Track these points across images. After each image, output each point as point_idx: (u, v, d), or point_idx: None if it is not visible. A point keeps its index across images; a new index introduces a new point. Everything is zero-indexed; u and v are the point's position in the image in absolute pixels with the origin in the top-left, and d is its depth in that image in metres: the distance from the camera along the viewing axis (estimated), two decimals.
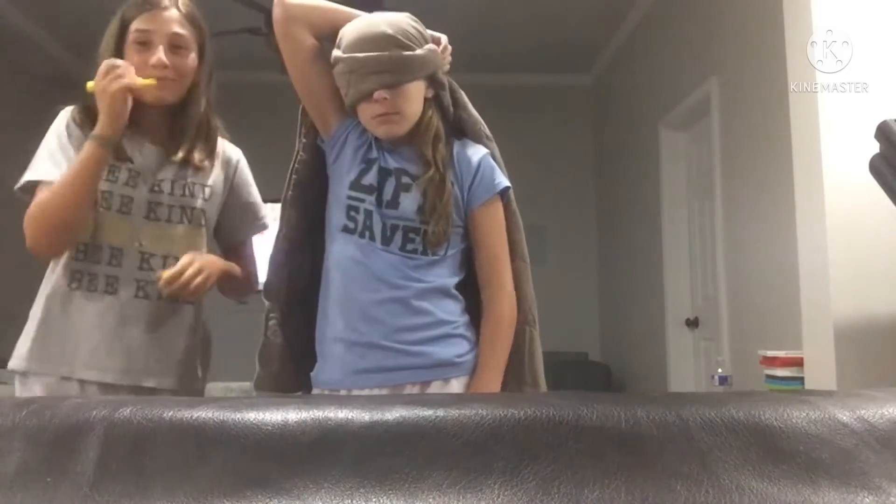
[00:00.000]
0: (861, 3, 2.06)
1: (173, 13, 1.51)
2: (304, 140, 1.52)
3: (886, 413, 0.66)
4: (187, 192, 1.57)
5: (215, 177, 1.62)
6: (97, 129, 1.41)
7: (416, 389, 1.38)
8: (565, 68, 5.65)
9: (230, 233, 1.69)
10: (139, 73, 1.46)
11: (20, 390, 1.48)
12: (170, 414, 0.64)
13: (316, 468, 0.60)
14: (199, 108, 1.57)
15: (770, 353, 2.27)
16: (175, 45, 1.50)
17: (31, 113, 5.28)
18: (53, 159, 1.47)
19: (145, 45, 1.49)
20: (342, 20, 1.44)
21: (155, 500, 0.59)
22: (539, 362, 1.49)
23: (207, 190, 1.60)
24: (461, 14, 4.36)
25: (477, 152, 1.48)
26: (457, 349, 1.42)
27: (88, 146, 1.40)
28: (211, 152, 1.60)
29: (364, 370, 1.38)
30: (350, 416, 0.64)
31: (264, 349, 1.47)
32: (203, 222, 1.59)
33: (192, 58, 1.54)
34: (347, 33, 1.41)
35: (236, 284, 1.65)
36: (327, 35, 1.45)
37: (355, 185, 1.42)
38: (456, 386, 1.40)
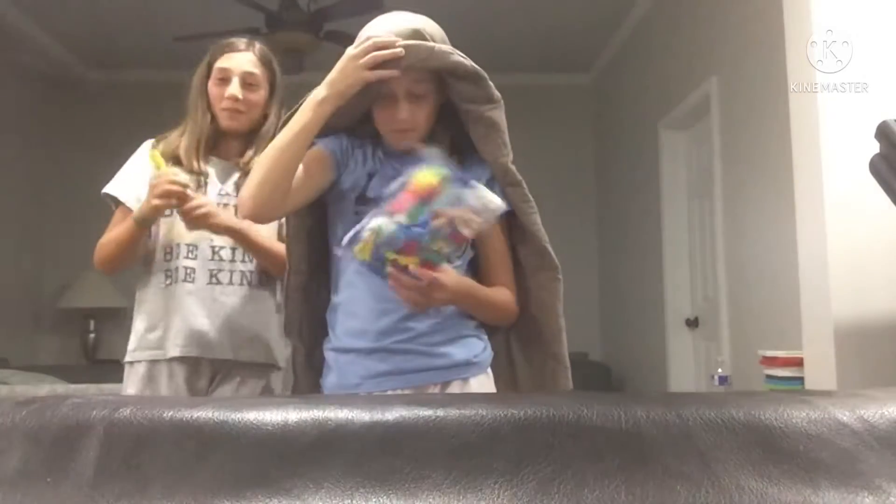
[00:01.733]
0: (861, 3, 2.06)
1: (249, 55, 1.82)
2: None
3: (886, 413, 0.66)
4: None
5: None
6: (136, 212, 1.73)
7: (436, 390, 1.40)
8: (565, 68, 5.65)
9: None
10: (216, 103, 1.80)
11: (125, 378, 1.80)
12: (170, 414, 0.64)
13: (316, 468, 0.60)
14: (267, 135, 1.76)
15: (770, 353, 2.27)
16: (248, 83, 1.80)
17: (31, 113, 5.30)
18: (126, 182, 1.83)
19: (223, 80, 1.80)
20: (296, 150, 1.36)
21: (155, 500, 0.59)
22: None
23: None
24: (461, 14, 4.35)
25: (484, 168, 1.48)
26: (473, 349, 1.44)
27: (129, 223, 1.73)
28: None
29: (384, 373, 1.39)
30: (350, 416, 0.63)
31: (296, 388, 1.52)
32: None
33: (262, 94, 1.83)
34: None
35: (258, 250, 1.78)
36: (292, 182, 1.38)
37: (362, 198, 1.43)
38: (475, 385, 1.41)
